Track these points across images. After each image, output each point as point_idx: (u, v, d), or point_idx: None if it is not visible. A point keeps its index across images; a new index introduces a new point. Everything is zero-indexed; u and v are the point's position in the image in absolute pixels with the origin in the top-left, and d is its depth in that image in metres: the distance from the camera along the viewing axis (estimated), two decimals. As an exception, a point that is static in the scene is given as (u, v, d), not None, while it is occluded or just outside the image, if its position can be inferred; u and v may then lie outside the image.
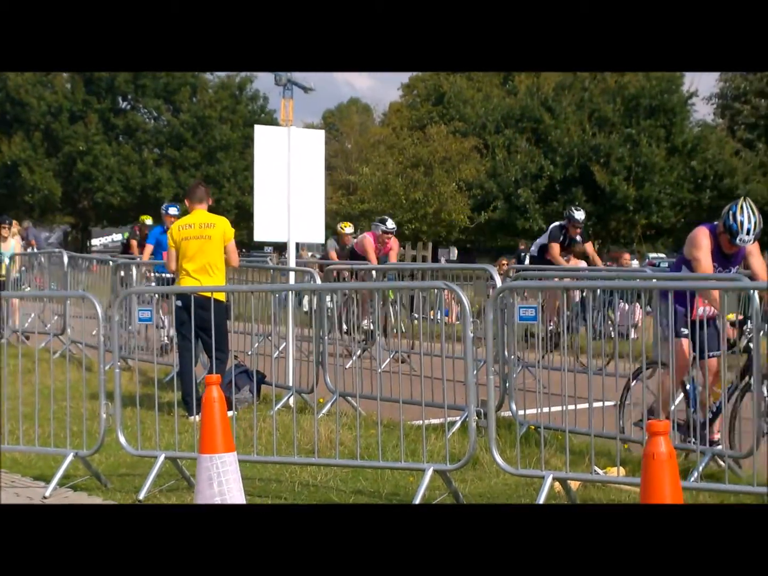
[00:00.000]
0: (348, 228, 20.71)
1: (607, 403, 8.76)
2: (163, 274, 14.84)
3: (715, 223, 9.44)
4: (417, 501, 7.96)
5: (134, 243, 22.95)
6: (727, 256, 9.42)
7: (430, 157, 50.36)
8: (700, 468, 8.25)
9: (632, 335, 13.80)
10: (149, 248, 17.44)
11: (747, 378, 8.50)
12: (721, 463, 8.40)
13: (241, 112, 64.41)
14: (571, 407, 8.69)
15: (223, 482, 6.05)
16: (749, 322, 8.44)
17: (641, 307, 14.56)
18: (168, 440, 9.32)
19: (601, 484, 8.52)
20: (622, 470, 8.15)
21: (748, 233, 9.12)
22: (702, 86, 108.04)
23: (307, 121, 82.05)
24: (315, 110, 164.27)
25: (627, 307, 16.46)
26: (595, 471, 8.30)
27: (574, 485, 8.26)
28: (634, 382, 9.21)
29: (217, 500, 6.01)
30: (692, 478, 8.18)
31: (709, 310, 8.99)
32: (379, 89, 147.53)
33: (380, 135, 56.96)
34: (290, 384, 11.61)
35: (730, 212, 9.17)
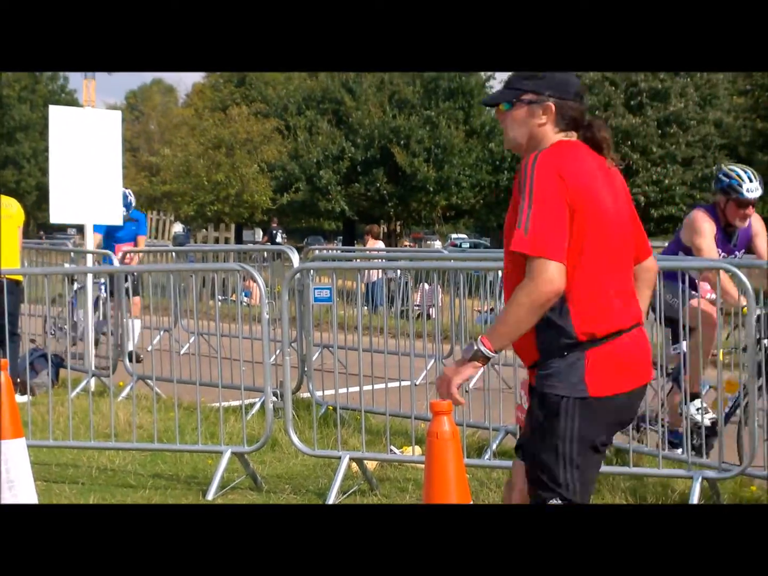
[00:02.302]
0: None
1: (403, 383, 8.89)
2: None
3: (711, 202, 8.88)
4: (215, 483, 7.97)
5: None
6: (730, 237, 8.68)
7: (232, 139, 50.13)
8: (494, 446, 8.45)
9: (433, 315, 13.99)
10: None
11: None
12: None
13: (40, 92, 62.99)
14: (368, 387, 8.80)
15: (10, 469, 5.95)
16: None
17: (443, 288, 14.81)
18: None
19: (397, 463, 8.66)
20: (417, 449, 8.28)
21: (750, 180, 8.45)
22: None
23: (109, 102, 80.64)
24: (118, 90, 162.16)
25: (428, 287, 16.70)
26: (391, 450, 8.42)
27: (371, 465, 8.37)
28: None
29: (5, 487, 5.91)
30: (486, 456, 8.39)
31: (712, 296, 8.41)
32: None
33: (183, 116, 56.42)
34: (90, 367, 11.49)
35: (720, 175, 8.61)
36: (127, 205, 14.99)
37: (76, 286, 13.26)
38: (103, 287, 13.17)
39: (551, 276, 4.06)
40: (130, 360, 11.27)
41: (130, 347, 11.78)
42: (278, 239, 37.99)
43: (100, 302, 13.30)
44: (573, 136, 4.43)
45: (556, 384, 4.25)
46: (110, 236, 14.95)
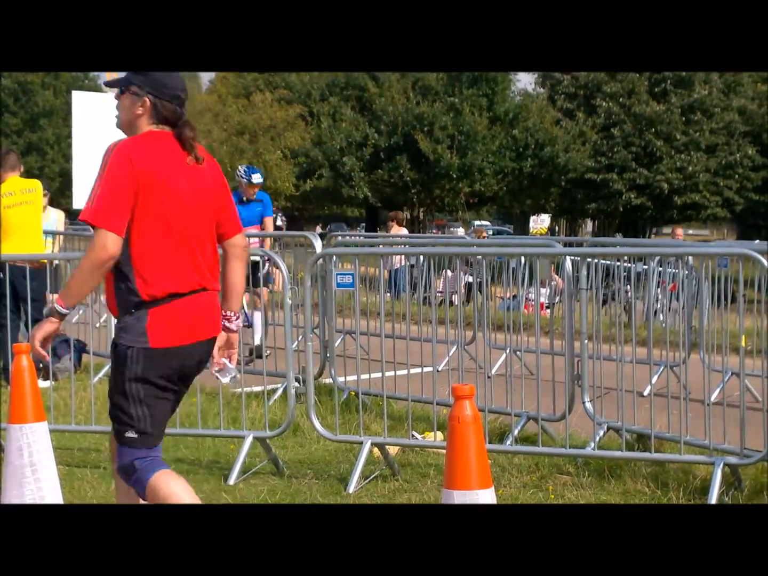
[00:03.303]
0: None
1: (425, 369, 8.90)
2: None
3: None
4: (236, 468, 7.99)
5: None
6: None
7: (255, 125, 50.04)
8: (515, 432, 8.45)
9: (455, 302, 13.99)
10: None
11: None
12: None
13: (64, 78, 62.96)
14: (390, 373, 8.81)
15: (33, 452, 5.98)
16: None
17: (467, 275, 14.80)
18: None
19: (419, 448, 8.67)
20: (440, 434, 8.29)
21: None
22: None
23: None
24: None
25: (451, 274, 16.69)
26: (413, 436, 8.43)
27: (392, 450, 8.38)
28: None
29: (28, 470, 5.95)
30: (508, 442, 8.39)
31: None
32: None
33: (206, 102, 56.33)
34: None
35: None
36: (248, 181, 14.13)
37: None
38: None
39: (105, 243, 4.85)
40: (258, 356, 11.20)
41: (257, 341, 11.77)
42: (278, 222, 37.77)
43: None
44: (166, 129, 5.14)
45: (124, 336, 5.05)
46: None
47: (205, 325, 5.22)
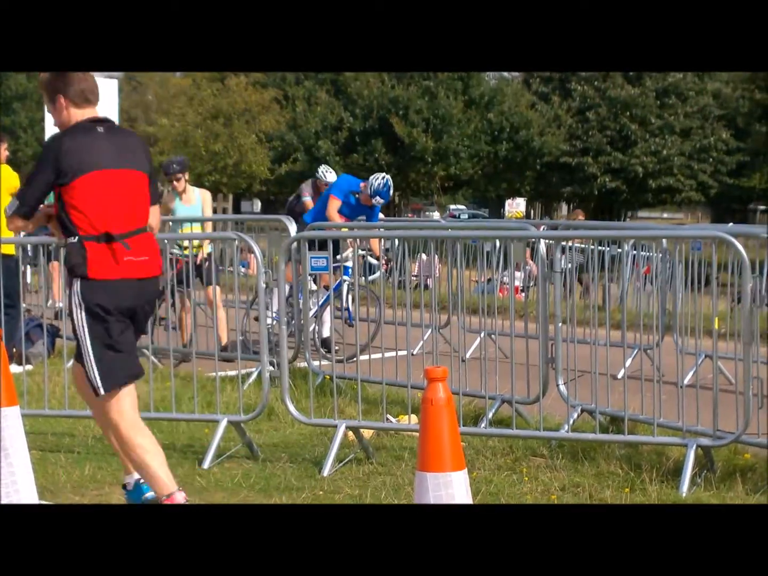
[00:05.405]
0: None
1: (400, 353, 8.90)
2: None
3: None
4: (211, 452, 7.98)
5: None
6: None
7: (230, 109, 49.88)
8: (490, 415, 8.47)
9: (430, 286, 14.02)
10: None
11: None
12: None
13: (36, 61, 62.62)
14: (365, 357, 8.81)
15: (5, 437, 5.94)
16: None
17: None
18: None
19: (394, 431, 8.68)
20: (414, 418, 8.29)
21: None
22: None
23: (107, 71, 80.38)
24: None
25: (425, 258, 16.71)
26: (387, 419, 8.44)
27: (367, 434, 8.39)
28: None
29: (1, 455, 5.91)
30: (482, 424, 8.40)
31: None
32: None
33: (181, 86, 56.09)
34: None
35: None
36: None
37: None
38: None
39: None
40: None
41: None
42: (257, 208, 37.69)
43: None
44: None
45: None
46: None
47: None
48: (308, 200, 15.48)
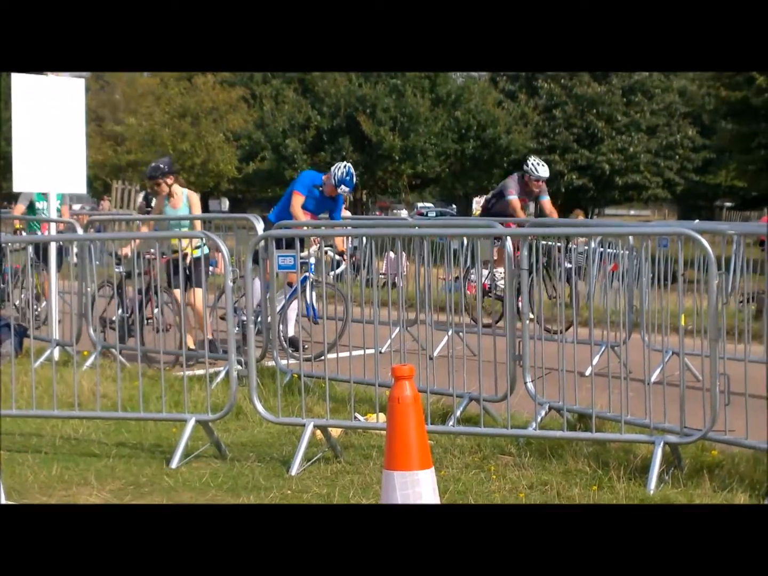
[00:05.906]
0: None
1: (368, 351, 8.90)
2: None
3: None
4: (179, 452, 7.96)
5: None
6: None
7: (197, 108, 49.79)
8: (458, 413, 8.47)
9: (399, 284, 14.02)
10: None
11: None
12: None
13: (1, 60, 62.26)
14: (332, 356, 8.80)
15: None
16: None
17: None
18: None
19: (361, 430, 8.67)
20: (382, 416, 8.28)
21: None
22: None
23: (74, 71, 79.91)
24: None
25: (393, 256, 16.69)
26: (355, 417, 8.43)
27: (335, 432, 8.38)
28: None
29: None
30: (450, 423, 8.40)
31: None
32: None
33: (148, 85, 55.91)
34: (53, 337, 11.49)
35: None
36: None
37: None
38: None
39: None
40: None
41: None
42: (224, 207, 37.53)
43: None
44: None
45: None
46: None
47: None
48: (514, 198, 15.08)
